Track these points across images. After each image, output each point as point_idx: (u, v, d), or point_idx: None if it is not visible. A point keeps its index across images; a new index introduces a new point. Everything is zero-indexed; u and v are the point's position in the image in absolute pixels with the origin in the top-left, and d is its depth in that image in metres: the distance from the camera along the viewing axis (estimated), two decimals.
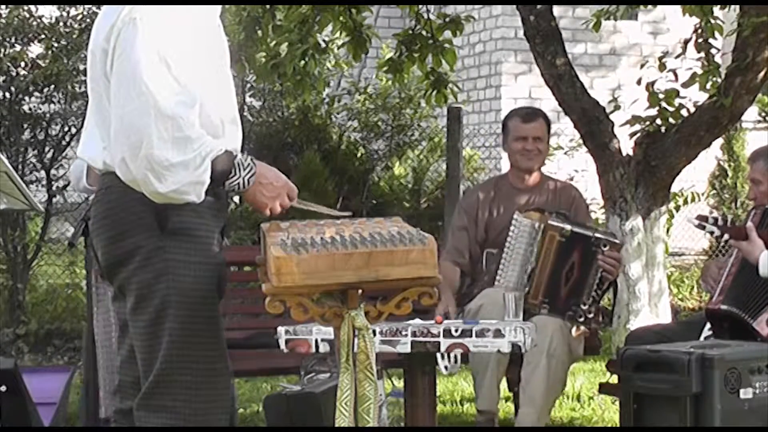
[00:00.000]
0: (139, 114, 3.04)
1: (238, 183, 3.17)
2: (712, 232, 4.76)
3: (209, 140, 3.11)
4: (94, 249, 3.34)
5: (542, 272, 5.06)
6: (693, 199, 9.69)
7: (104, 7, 3.27)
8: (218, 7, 3.31)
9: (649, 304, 6.33)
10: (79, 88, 8.64)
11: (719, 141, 10.26)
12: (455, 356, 4.67)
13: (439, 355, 4.74)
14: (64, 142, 8.86)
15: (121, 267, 3.22)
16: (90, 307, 4.78)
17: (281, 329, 4.17)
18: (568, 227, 5.10)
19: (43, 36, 8.65)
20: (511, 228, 5.17)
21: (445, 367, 4.78)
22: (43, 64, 8.54)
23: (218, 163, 3.12)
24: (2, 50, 8.55)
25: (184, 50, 3.10)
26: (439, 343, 4.07)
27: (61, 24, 8.67)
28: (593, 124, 6.38)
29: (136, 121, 3.04)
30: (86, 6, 8.71)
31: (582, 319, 5.06)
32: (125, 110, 3.06)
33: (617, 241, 5.16)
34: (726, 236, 4.73)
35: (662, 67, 6.50)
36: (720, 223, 4.73)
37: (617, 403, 4.99)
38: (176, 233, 3.18)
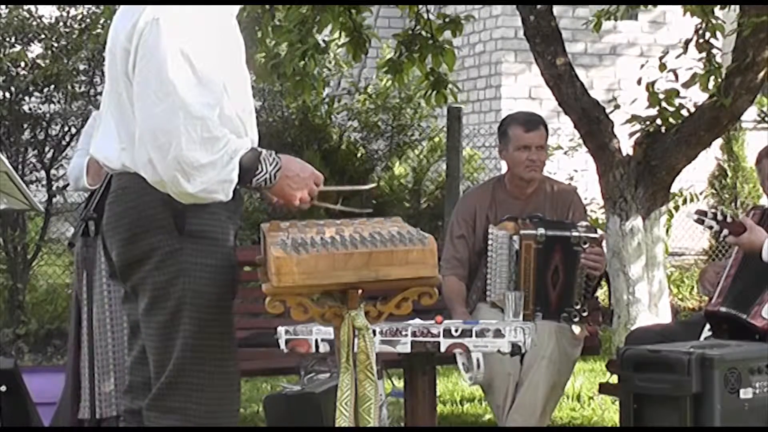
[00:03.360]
0: (167, 115, 3.05)
1: (266, 178, 3.18)
2: (711, 227, 4.72)
3: (234, 138, 3.13)
4: (106, 249, 3.34)
5: (527, 281, 5.03)
6: (693, 199, 9.69)
7: (122, 7, 3.28)
8: (236, 7, 3.32)
9: (649, 304, 6.32)
10: (79, 88, 8.66)
11: (719, 141, 10.26)
12: (477, 360, 4.66)
13: (462, 366, 4.74)
14: (64, 142, 8.86)
15: (136, 267, 3.22)
16: (79, 307, 4.79)
17: (281, 329, 4.17)
18: (542, 231, 5.06)
19: (43, 36, 8.66)
20: (489, 242, 5.12)
21: (470, 378, 4.77)
22: (43, 64, 8.54)
23: (244, 161, 3.13)
24: (2, 50, 8.56)
25: (206, 50, 3.11)
26: (439, 343, 4.07)
27: (61, 24, 8.68)
28: (593, 124, 6.37)
29: (164, 122, 3.05)
30: (86, 6, 8.72)
31: (577, 319, 5.05)
32: (153, 112, 3.07)
33: (596, 235, 5.10)
34: (725, 231, 4.70)
35: (662, 67, 6.49)
36: (719, 218, 4.70)
37: (617, 403, 4.99)
38: (193, 235, 3.18)
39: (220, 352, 3.23)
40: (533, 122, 5.31)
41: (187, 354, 3.18)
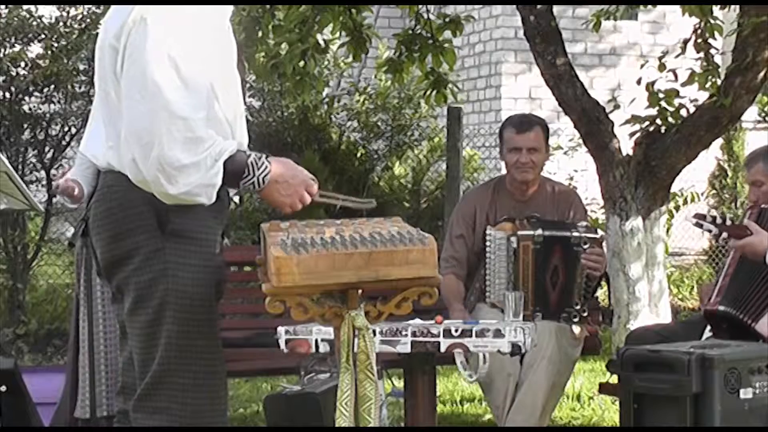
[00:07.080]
0: (151, 115, 3.04)
1: (253, 183, 3.16)
2: (710, 231, 4.72)
3: (220, 141, 3.11)
4: (93, 248, 3.34)
5: (525, 281, 5.02)
6: (693, 199, 9.69)
7: (114, 6, 3.27)
8: (229, 8, 3.31)
9: (649, 304, 6.32)
10: (79, 88, 8.64)
11: (719, 141, 10.26)
12: (484, 355, 4.64)
13: (460, 365, 4.72)
14: (64, 142, 8.86)
15: (120, 266, 3.22)
16: (78, 307, 4.78)
17: (281, 329, 4.17)
18: (540, 232, 5.04)
19: (43, 36, 8.65)
20: (487, 243, 5.11)
21: (470, 375, 4.75)
22: (43, 64, 8.54)
23: (230, 164, 3.10)
24: (2, 50, 8.55)
25: (193, 51, 3.09)
26: (439, 343, 4.07)
27: (61, 24, 8.68)
28: (593, 124, 6.37)
29: (148, 122, 3.04)
30: (86, 6, 8.71)
31: (577, 319, 5.04)
32: (138, 111, 3.06)
33: (596, 235, 5.10)
34: (724, 235, 4.70)
35: (662, 67, 6.49)
36: (718, 221, 4.70)
37: (617, 403, 4.99)
38: (176, 235, 3.17)
39: (205, 351, 3.22)
40: (526, 123, 5.29)
41: (171, 354, 3.18)
